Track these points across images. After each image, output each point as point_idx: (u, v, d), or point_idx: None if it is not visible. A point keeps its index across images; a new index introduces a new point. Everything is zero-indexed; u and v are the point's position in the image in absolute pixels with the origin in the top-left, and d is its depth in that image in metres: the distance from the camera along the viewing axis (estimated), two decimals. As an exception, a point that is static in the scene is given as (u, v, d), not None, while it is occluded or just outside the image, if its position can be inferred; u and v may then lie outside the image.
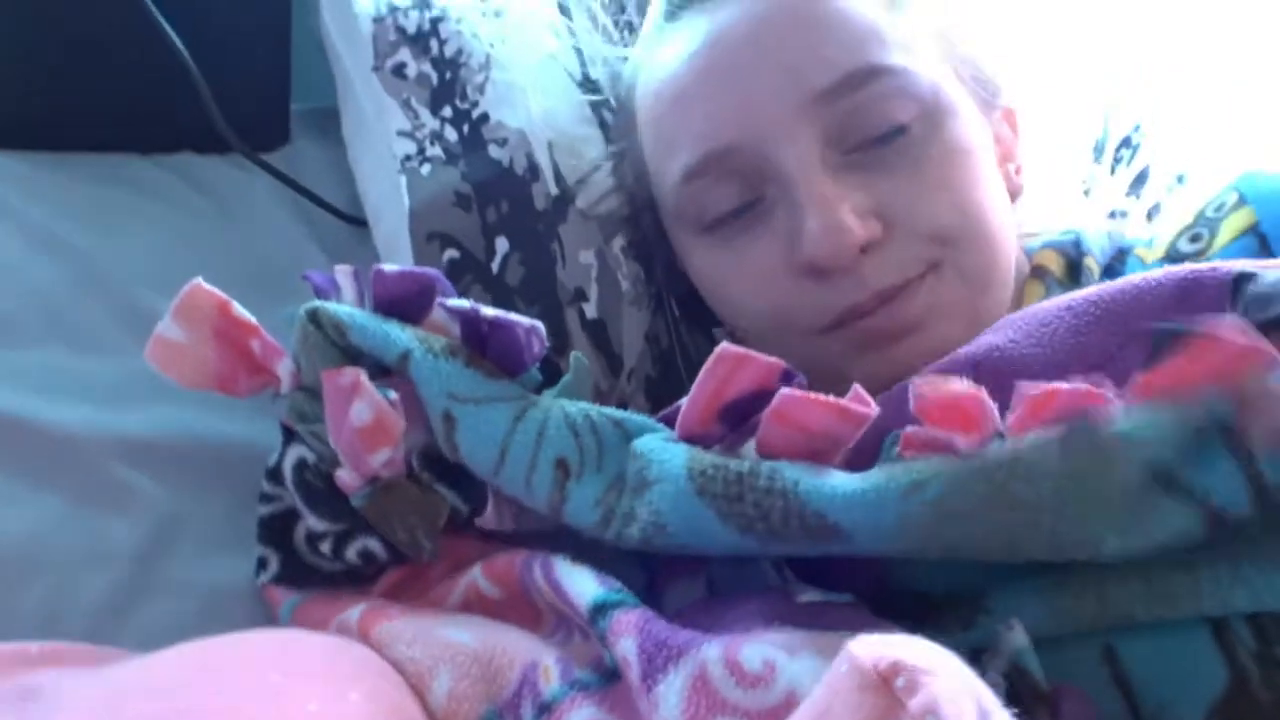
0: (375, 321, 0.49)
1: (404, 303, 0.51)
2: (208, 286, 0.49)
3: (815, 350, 0.52)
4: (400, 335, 0.49)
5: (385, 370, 0.50)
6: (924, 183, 0.51)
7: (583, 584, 0.42)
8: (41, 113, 0.62)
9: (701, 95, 0.53)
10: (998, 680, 0.36)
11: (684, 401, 0.46)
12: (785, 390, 0.42)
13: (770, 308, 0.54)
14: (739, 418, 0.44)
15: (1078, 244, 0.61)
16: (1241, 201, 0.56)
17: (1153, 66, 0.81)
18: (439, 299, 0.51)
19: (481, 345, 0.50)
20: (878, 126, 0.51)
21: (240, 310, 0.49)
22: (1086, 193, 0.79)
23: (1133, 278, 0.46)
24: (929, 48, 0.55)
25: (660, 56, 0.56)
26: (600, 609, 0.41)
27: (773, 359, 0.43)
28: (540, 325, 0.50)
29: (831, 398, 0.41)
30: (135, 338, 0.56)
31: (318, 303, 0.50)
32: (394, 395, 0.47)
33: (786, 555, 0.44)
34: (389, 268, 0.51)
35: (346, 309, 0.50)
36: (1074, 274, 0.60)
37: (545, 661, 0.41)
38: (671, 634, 0.38)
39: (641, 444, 0.45)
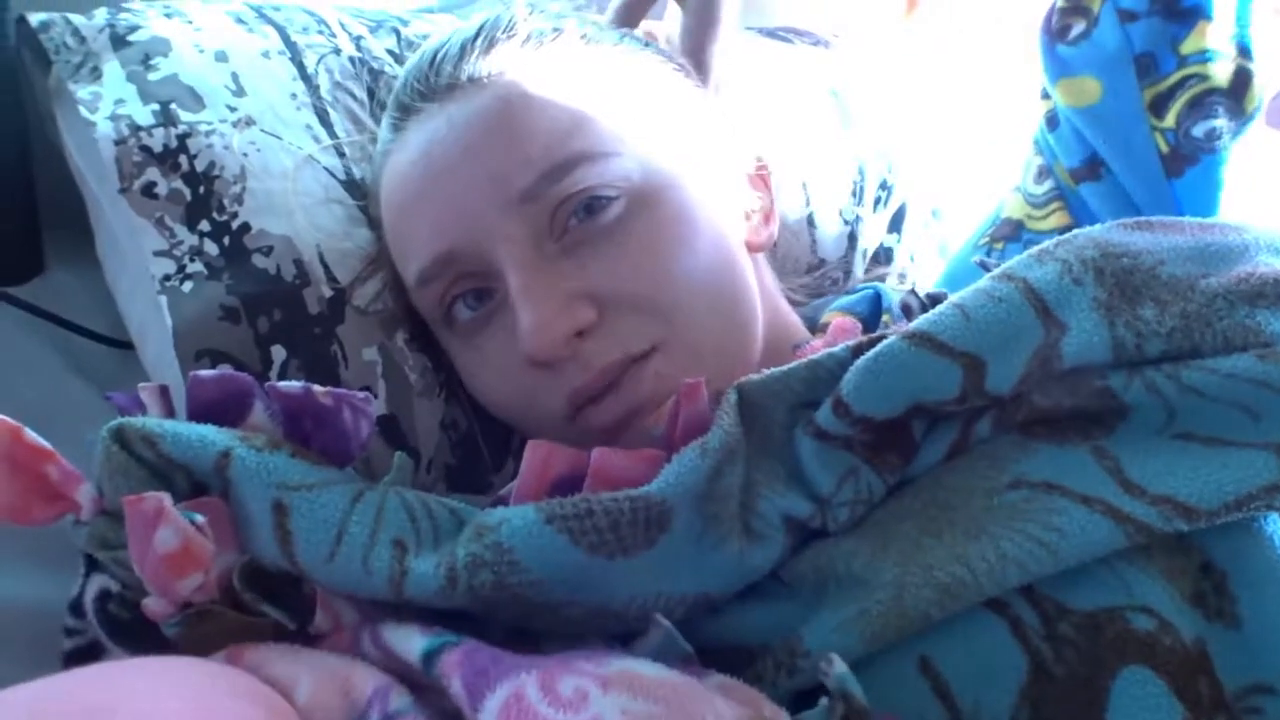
0: (189, 427, 0.48)
1: (222, 406, 0.50)
2: None
3: (569, 438, 0.52)
4: (218, 436, 0.48)
5: (193, 492, 0.48)
6: (631, 257, 0.53)
7: (410, 639, 0.43)
8: None
9: (420, 205, 0.55)
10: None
11: (506, 491, 0.49)
12: (599, 449, 0.47)
13: (514, 399, 0.56)
14: (566, 494, 0.46)
15: (877, 300, 0.62)
16: None
17: (902, 118, 0.88)
18: (269, 384, 0.51)
19: (305, 439, 0.50)
20: (583, 210, 0.53)
21: (33, 436, 0.47)
22: (853, 235, 0.84)
23: None
24: (652, 123, 0.57)
25: (389, 168, 0.58)
26: (429, 657, 0.42)
27: (579, 450, 0.48)
28: (371, 404, 0.50)
29: (642, 451, 0.48)
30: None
31: (122, 420, 0.48)
32: (200, 519, 0.45)
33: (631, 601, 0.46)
34: (205, 373, 0.51)
35: (155, 420, 0.49)
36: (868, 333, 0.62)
37: (400, 687, 0.42)
38: (493, 663, 0.40)
39: (482, 513, 0.47)
